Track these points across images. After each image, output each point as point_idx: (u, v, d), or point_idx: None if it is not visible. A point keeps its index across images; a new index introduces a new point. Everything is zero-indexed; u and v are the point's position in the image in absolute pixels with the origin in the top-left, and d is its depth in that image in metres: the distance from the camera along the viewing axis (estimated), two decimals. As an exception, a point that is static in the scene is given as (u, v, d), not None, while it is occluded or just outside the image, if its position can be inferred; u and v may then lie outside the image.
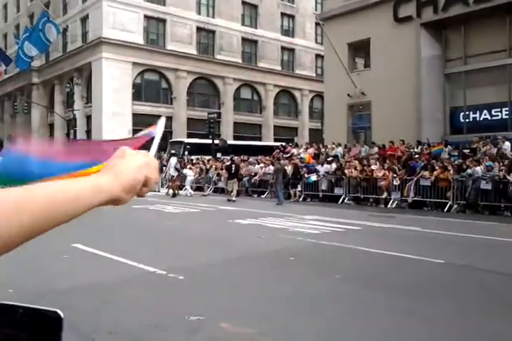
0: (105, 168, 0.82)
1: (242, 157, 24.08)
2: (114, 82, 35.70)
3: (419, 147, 19.37)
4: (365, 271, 6.77)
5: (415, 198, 16.05)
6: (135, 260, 6.82)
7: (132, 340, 4.10)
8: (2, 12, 54.87)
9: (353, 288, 5.69)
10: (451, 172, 15.46)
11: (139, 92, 37.98)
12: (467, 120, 21.39)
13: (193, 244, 8.73)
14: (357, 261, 7.39)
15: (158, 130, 1.04)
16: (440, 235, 10.17)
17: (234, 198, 18.21)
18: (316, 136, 37.27)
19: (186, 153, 29.49)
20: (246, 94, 44.09)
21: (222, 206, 16.26)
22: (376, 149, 20.54)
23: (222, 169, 22.04)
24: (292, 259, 7.38)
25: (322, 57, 33.98)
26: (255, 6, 43.04)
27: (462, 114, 21.57)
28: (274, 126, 44.95)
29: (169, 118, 39.74)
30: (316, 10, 44.60)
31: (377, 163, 17.79)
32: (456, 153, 17.68)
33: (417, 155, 17.65)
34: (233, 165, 19.27)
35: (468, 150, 17.82)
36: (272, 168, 20.07)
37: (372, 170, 17.52)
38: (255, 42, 42.97)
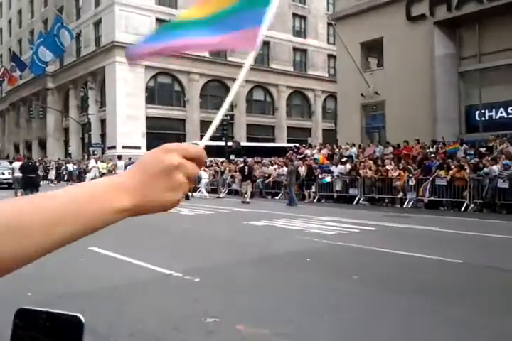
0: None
1: (255, 158, 24.07)
2: (127, 85, 35.97)
3: (435, 146, 19.19)
4: (383, 271, 6.70)
5: (431, 198, 15.88)
6: (151, 262, 6.83)
7: (150, 343, 4.09)
8: (17, 17, 55.52)
9: (372, 289, 5.63)
10: (468, 171, 15.28)
11: (152, 95, 38.25)
12: (483, 118, 21.20)
13: (208, 246, 8.72)
14: (374, 262, 7.31)
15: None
16: (458, 235, 10.05)
17: (248, 200, 18.21)
18: (330, 137, 37.19)
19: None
20: (259, 95, 44.17)
21: (237, 208, 16.24)
22: (391, 149, 20.39)
23: (235, 171, 22.05)
24: (309, 261, 7.33)
25: (334, 57, 33.91)
26: (266, 8, 43.09)
27: (478, 112, 21.37)
28: (287, 127, 44.96)
29: (182, 121, 39.99)
30: (328, 10, 44.57)
31: (392, 163, 17.65)
32: (472, 152, 17.48)
33: (432, 155, 17.48)
34: (246, 167, 19.26)
35: (485, 149, 17.62)
36: (285, 169, 20.03)
37: (387, 170, 17.38)
38: (267, 43, 43.02)
